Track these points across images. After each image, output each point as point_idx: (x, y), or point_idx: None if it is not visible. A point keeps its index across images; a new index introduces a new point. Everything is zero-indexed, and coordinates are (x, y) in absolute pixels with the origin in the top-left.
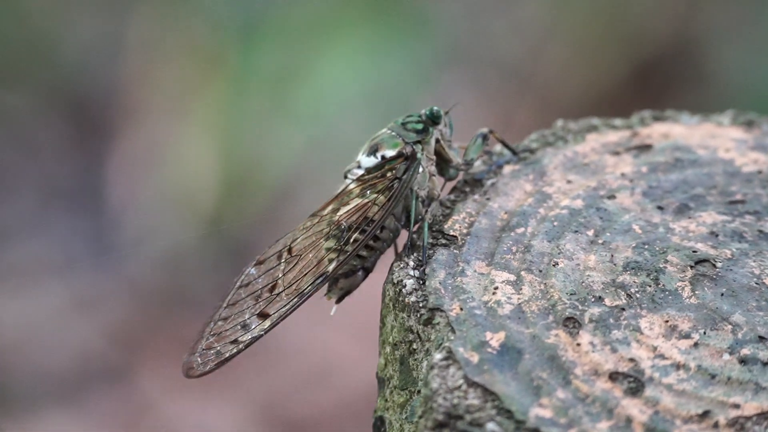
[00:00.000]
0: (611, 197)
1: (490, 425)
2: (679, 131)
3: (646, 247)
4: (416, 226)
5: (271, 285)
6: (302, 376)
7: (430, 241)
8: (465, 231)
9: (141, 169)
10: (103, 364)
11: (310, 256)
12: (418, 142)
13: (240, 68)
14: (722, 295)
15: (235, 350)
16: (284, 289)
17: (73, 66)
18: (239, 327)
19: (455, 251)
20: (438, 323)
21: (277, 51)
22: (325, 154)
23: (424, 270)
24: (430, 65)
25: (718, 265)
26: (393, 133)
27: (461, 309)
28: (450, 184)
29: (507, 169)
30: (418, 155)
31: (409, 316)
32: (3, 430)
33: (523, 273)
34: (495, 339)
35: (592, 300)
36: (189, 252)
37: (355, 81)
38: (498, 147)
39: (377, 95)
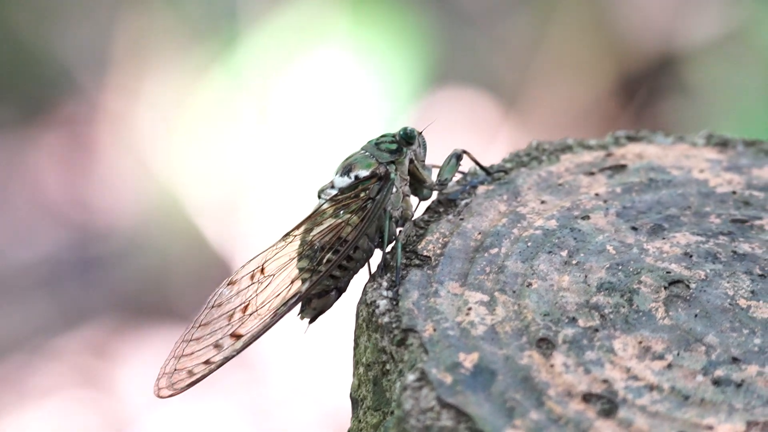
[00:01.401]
0: (585, 218)
1: None
2: (653, 151)
3: (620, 267)
4: (390, 246)
5: (244, 305)
6: (286, 389)
7: (404, 261)
8: (438, 251)
9: (127, 182)
10: (88, 376)
11: (283, 276)
12: (392, 162)
13: (226, 78)
14: (696, 316)
15: (207, 370)
16: (257, 309)
17: (58, 77)
18: (212, 347)
19: (429, 272)
20: (411, 344)
21: (263, 61)
22: (311, 165)
23: (397, 291)
24: (414, 80)
25: (692, 286)
26: (366, 153)
27: (434, 330)
28: (424, 205)
29: (481, 189)
30: (392, 175)
31: (382, 337)
32: None
33: (496, 294)
34: (468, 360)
35: (566, 321)
36: (175, 265)
37: (340, 94)
38: (472, 166)
39: (362, 108)
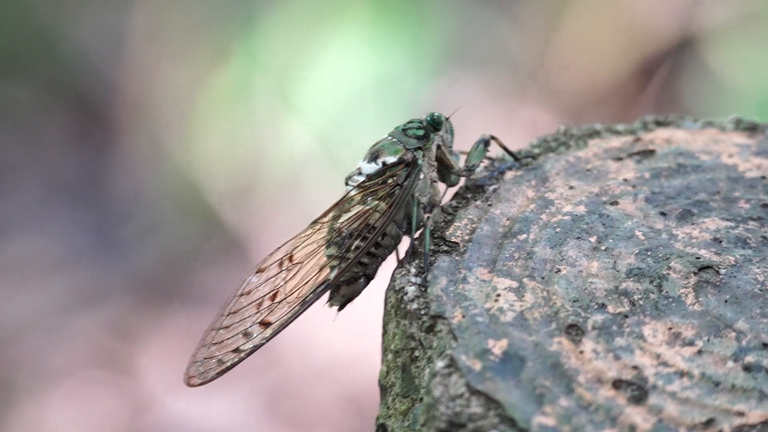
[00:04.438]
0: (614, 203)
1: None
2: (682, 136)
3: (649, 253)
4: (418, 232)
5: (272, 293)
6: (305, 371)
7: (432, 247)
8: (467, 238)
9: (144, 163)
10: (106, 358)
11: (312, 263)
12: (419, 148)
13: (244, 61)
14: (726, 302)
15: (236, 359)
16: (285, 297)
17: (76, 59)
18: (241, 335)
19: (457, 258)
20: (440, 331)
21: (281, 44)
22: (330, 148)
23: (425, 277)
24: (434, 60)
25: (722, 271)
26: (394, 140)
27: (463, 316)
28: (452, 191)
29: (509, 174)
30: (419, 161)
31: (410, 324)
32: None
33: (525, 280)
34: (497, 347)
35: (595, 307)
36: (192, 247)
37: (359, 75)
38: (500, 152)
39: (381, 90)
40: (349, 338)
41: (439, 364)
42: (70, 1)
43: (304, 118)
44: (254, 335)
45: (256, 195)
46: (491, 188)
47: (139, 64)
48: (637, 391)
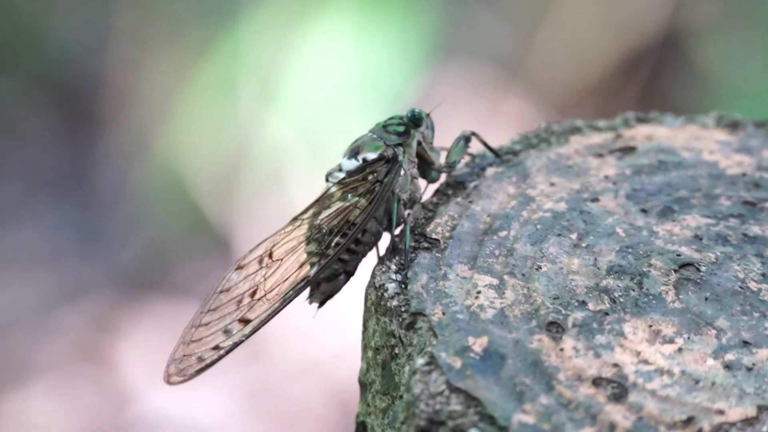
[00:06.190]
0: (595, 200)
1: (473, 431)
2: (663, 133)
3: (630, 250)
4: (398, 229)
5: (252, 290)
6: (288, 366)
7: (412, 244)
8: (447, 234)
9: (128, 158)
10: (89, 352)
11: (292, 260)
12: (400, 144)
13: (227, 56)
14: (706, 299)
15: (216, 356)
16: (265, 294)
17: (60, 54)
18: (220, 333)
19: (437, 255)
20: (420, 328)
21: (264, 38)
22: (313, 142)
23: (406, 274)
24: (419, 53)
25: (702, 269)
26: (374, 136)
27: (443, 313)
28: (432, 187)
29: (490, 171)
30: (400, 158)
31: (391, 321)
32: None
33: (506, 277)
34: (478, 344)
35: (576, 304)
36: (176, 241)
37: (342, 69)
38: (481, 148)
39: (365, 84)
40: (331, 333)
41: (419, 361)
42: None
43: (286, 113)
44: (234, 332)
45: (239, 189)
46: (472, 185)
47: (123, 58)
48: (617, 388)
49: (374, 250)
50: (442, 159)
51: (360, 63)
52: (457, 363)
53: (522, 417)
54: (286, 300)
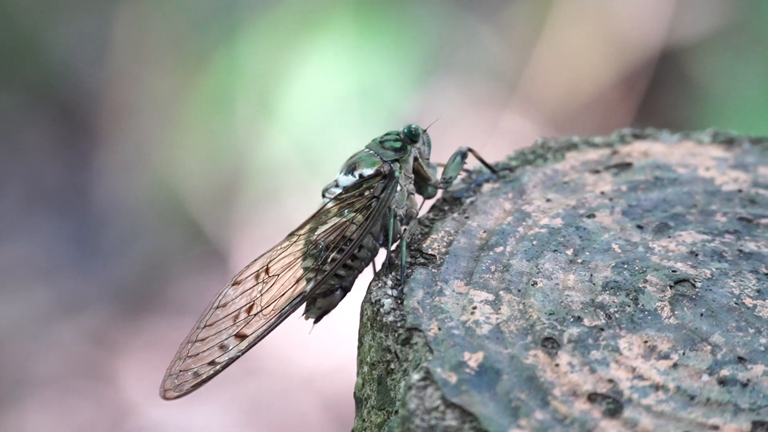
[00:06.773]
0: (591, 216)
1: None
2: (659, 149)
3: (626, 266)
4: (394, 245)
5: (248, 306)
6: (285, 381)
7: (409, 260)
8: (443, 250)
9: (126, 171)
10: (87, 366)
11: (288, 275)
12: (396, 160)
13: (225, 70)
14: (702, 315)
15: (212, 371)
16: (262, 310)
17: (58, 66)
18: (216, 348)
19: (433, 270)
20: (416, 343)
21: (263, 52)
22: (311, 157)
23: (402, 289)
24: (416, 69)
25: (698, 285)
26: (371, 152)
27: (439, 329)
28: (429, 203)
29: (486, 187)
30: (396, 174)
31: (386, 336)
32: None
33: (501, 292)
34: (473, 359)
35: (571, 320)
36: (173, 255)
37: (341, 84)
38: (477, 164)
39: (363, 99)
40: (327, 348)
41: (415, 376)
42: (53, 9)
43: (285, 127)
44: (230, 348)
45: (236, 203)
46: (468, 200)
47: (121, 72)
48: (613, 404)
49: (371, 265)
50: (438, 175)
51: (357, 79)
52: (453, 378)
53: None
54: (282, 315)
